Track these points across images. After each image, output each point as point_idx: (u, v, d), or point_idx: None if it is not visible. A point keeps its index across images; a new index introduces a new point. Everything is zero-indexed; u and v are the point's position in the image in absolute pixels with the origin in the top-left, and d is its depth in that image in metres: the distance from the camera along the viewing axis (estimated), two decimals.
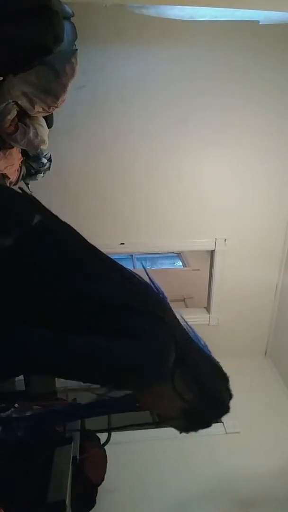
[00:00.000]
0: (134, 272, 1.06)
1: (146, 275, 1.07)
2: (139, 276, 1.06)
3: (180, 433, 1.04)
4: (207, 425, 1.03)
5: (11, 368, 0.92)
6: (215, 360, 1.07)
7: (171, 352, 0.94)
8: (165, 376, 0.94)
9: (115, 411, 1.17)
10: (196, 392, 0.97)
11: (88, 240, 1.08)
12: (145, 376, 0.93)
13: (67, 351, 0.90)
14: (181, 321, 1.06)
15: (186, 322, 1.07)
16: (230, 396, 1.04)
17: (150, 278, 1.07)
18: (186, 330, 1.07)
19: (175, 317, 1.06)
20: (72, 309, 0.96)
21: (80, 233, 1.08)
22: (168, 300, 1.08)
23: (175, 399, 0.96)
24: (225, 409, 1.03)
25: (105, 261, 1.06)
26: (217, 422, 1.06)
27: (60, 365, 0.91)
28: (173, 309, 1.07)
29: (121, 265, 1.07)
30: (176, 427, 1.04)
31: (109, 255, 1.09)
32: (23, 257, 0.97)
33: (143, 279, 1.05)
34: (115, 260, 1.08)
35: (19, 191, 1.14)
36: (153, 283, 1.06)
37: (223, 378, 1.05)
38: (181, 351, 0.96)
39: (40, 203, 1.06)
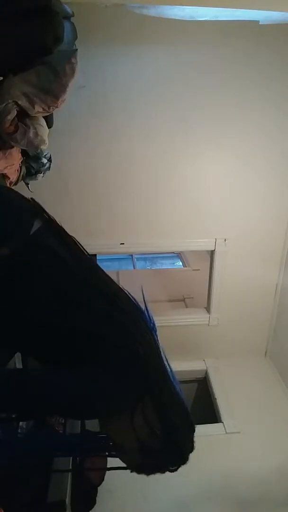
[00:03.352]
0: (127, 297, 1.03)
1: (143, 302, 1.05)
2: (133, 301, 1.03)
3: (131, 471, 0.99)
4: (161, 470, 0.99)
5: None
6: (186, 408, 1.02)
7: (134, 388, 0.93)
8: (123, 408, 0.93)
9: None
10: (158, 433, 0.93)
11: (87, 253, 1.05)
12: (99, 405, 0.91)
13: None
14: (164, 358, 1.02)
15: (167, 361, 1.03)
16: (191, 448, 1.00)
17: (145, 305, 1.05)
18: (167, 368, 1.02)
19: (158, 350, 1.03)
20: (48, 332, 0.95)
21: (80, 244, 1.04)
22: (157, 332, 1.05)
23: (141, 428, 0.93)
24: (183, 460, 0.99)
25: (99, 283, 1.02)
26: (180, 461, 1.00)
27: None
28: (158, 342, 1.04)
29: (116, 287, 1.04)
30: (129, 463, 1.00)
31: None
32: (17, 270, 0.95)
33: (135, 306, 1.02)
34: (111, 281, 1.05)
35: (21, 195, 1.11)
36: (147, 311, 1.04)
37: (190, 428, 1.01)
38: (153, 387, 0.94)
39: (41, 208, 1.03)
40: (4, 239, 0.96)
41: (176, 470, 0.99)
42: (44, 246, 0.98)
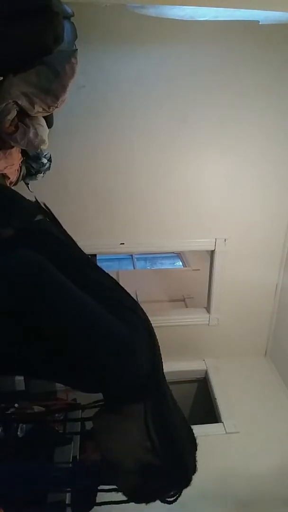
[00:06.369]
0: (122, 295, 1.06)
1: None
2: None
3: (126, 499, 0.92)
4: (160, 494, 0.92)
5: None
6: (188, 423, 0.99)
7: (150, 352, 0.93)
8: (139, 370, 0.90)
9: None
10: (164, 446, 0.88)
11: (83, 251, 1.09)
12: (122, 356, 0.89)
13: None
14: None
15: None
16: (194, 469, 0.94)
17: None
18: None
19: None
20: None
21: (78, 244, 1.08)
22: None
23: (141, 442, 0.88)
24: (186, 480, 0.93)
25: (94, 278, 1.05)
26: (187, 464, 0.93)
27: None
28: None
29: (113, 288, 1.07)
30: (124, 487, 0.93)
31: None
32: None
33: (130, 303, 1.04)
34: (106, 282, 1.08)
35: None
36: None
37: (193, 445, 0.97)
38: (157, 388, 0.92)
39: (46, 207, 1.09)
40: (10, 221, 1.02)
41: (175, 499, 0.92)
42: (46, 232, 1.03)
